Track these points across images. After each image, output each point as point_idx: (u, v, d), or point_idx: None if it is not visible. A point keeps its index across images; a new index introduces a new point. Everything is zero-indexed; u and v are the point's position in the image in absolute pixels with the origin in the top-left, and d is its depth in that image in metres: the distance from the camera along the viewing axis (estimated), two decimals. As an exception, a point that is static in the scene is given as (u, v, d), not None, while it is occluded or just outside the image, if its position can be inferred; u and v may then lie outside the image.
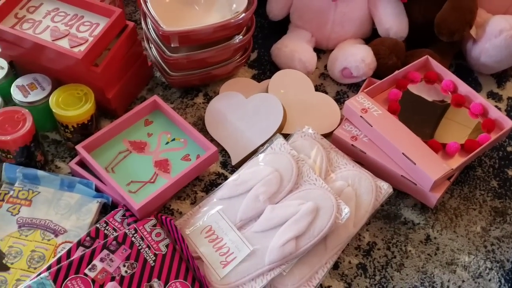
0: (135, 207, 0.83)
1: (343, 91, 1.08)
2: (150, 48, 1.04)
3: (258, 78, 1.10)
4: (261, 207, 0.83)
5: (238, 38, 0.99)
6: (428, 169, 0.85)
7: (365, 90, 0.95)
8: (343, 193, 0.84)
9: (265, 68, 1.11)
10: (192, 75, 1.02)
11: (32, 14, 0.97)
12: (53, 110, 0.90)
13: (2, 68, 0.97)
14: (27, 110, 0.88)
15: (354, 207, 0.83)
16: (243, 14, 0.95)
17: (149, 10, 0.95)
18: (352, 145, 0.91)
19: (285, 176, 0.85)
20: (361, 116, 0.90)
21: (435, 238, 0.89)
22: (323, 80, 1.10)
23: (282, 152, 0.87)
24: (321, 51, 1.14)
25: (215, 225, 0.84)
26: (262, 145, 0.93)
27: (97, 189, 0.89)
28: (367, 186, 0.85)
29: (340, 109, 1.02)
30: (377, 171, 0.89)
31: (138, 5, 1.17)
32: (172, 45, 0.94)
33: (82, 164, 0.91)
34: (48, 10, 0.98)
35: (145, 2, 0.97)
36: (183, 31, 0.93)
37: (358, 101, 0.92)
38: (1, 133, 0.86)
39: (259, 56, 1.13)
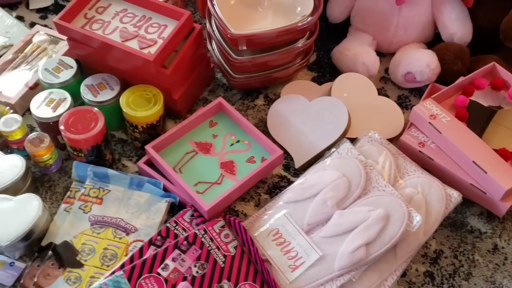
0: (205, 208, 0.84)
1: (405, 95, 1.07)
2: (213, 49, 1.05)
3: (318, 80, 1.10)
4: (329, 212, 0.83)
5: (301, 42, 1.00)
6: (499, 178, 0.84)
7: (432, 96, 0.94)
8: (413, 200, 0.84)
9: (324, 71, 1.11)
10: (254, 77, 1.03)
11: (101, 15, 0.99)
12: (124, 110, 0.92)
13: (71, 67, 0.99)
14: (98, 109, 0.90)
15: (425, 214, 0.82)
16: (310, 18, 0.95)
17: (216, 13, 0.96)
18: (419, 151, 0.90)
19: (353, 181, 0.85)
20: (429, 123, 0.89)
21: (502, 248, 0.87)
22: (384, 84, 1.09)
23: (349, 157, 0.87)
24: (381, 54, 1.13)
25: (282, 229, 0.84)
26: (327, 149, 0.94)
27: (165, 189, 0.90)
28: (437, 193, 0.84)
29: (404, 114, 1.01)
30: (445, 178, 0.88)
31: (197, 7, 1.18)
32: (239, 48, 0.95)
33: (150, 163, 0.94)
34: (117, 11, 1.00)
35: (212, 5, 0.97)
36: (251, 34, 0.94)
37: (426, 107, 0.91)
38: (74, 132, 0.88)
39: (318, 58, 1.13)
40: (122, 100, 0.93)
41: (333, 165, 0.87)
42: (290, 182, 0.95)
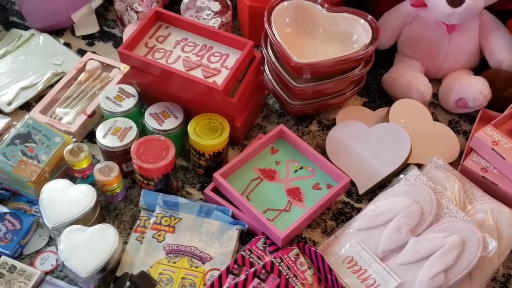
0: (280, 236, 0.85)
1: (455, 120, 1.10)
2: (269, 76, 1.07)
3: (369, 106, 1.12)
4: (403, 239, 0.85)
5: (359, 69, 1.02)
6: None
7: (492, 123, 0.96)
8: (484, 225, 0.85)
9: (374, 96, 1.14)
10: (310, 104, 1.04)
11: (162, 44, 1.00)
12: (192, 138, 0.92)
13: (133, 95, 0.99)
14: (168, 139, 0.91)
15: (497, 240, 0.84)
16: (371, 47, 0.98)
17: (278, 42, 0.98)
18: (482, 176, 0.93)
19: (425, 208, 0.86)
20: (492, 149, 0.92)
21: None
22: (433, 109, 1.11)
23: (418, 183, 0.89)
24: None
25: (357, 256, 0.85)
26: (390, 175, 0.96)
27: (233, 216, 0.91)
28: (507, 219, 0.86)
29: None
30: (509, 203, 0.90)
31: (241, 31, 1.20)
32: (303, 77, 0.96)
33: (215, 191, 0.94)
34: (177, 40, 1.01)
35: (273, 33, 0.99)
36: (315, 62, 0.95)
37: (488, 134, 0.94)
38: (145, 161, 0.88)
39: (367, 83, 1.15)
40: (190, 128, 0.93)
41: (403, 192, 0.89)
42: (354, 208, 0.96)
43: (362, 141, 1.00)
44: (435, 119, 1.09)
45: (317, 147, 1.04)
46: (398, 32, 1.13)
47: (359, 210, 0.96)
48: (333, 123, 1.08)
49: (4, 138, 0.92)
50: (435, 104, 1.12)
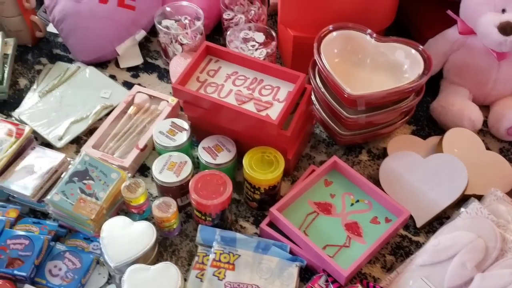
0: (344, 274, 0.83)
1: (506, 148, 1.08)
2: (318, 107, 1.06)
3: (418, 134, 1.11)
4: (468, 275, 0.83)
5: (411, 99, 1.01)
6: None
7: (550, 152, 0.95)
8: (551, 260, 0.84)
9: (422, 124, 1.13)
10: (361, 134, 1.04)
11: (213, 78, 1.00)
12: (247, 172, 0.92)
13: (185, 129, 1.00)
14: (224, 173, 0.91)
15: None
16: (424, 77, 0.97)
17: (329, 73, 0.97)
18: (543, 208, 0.91)
19: (490, 242, 0.85)
20: (553, 179, 0.91)
21: None
22: (483, 136, 1.10)
23: (480, 217, 0.88)
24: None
25: (421, 292, 0.84)
26: (448, 207, 0.95)
27: (291, 252, 0.90)
28: None
29: None
30: None
31: (283, 60, 1.20)
32: (358, 108, 0.96)
33: (271, 225, 0.93)
34: (228, 73, 1.01)
35: (323, 65, 0.99)
36: (369, 95, 0.95)
37: (547, 164, 0.93)
38: (203, 197, 0.88)
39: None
40: (245, 162, 0.93)
41: (465, 226, 0.88)
42: (412, 242, 0.95)
43: (417, 172, 0.99)
44: (486, 147, 1.08)
45: (370, 177, 1.03)
46: (444, 59, 1.13)
47: (417, 243, 0.95)
48: (383, 152, 1.08)
49: (62, 176, 0.92)
50: (484, 132, 1.11)
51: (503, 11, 1.01)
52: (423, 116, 1.14)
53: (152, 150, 1.06)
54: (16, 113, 1.09)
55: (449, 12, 1.07)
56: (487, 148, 1.07)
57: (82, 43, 1.17)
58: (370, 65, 1.06)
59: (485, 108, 1.13)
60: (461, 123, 1.06)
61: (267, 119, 0.92)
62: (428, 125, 1.12)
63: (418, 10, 1.21)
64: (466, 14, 1.05)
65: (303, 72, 1.18)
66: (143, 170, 1.04)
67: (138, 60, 1.21)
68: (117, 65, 1.21)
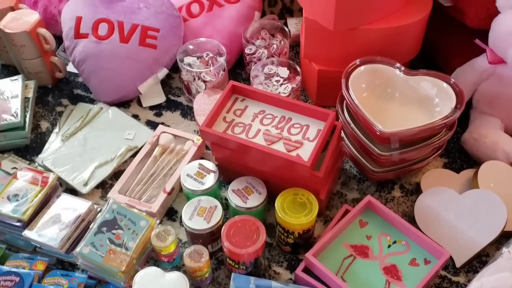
0: (387, 323, 0.80)
1: (543, 179, 1.05)
2: (348, 143, 1.04)
3: (450, 167, 1.08)
4: (517, 319, 0.80)
5: (443, 134, 0.98)
6: None
7: None
8: None
9: (454, 156, 1.10)
10: (393, 170, 1.01)
11: (240, 118, 0.98)
12: (280, 217, 0.89)
13: (213, 171, 0.97)
14: (257, 219, 0.88)
15: None
16: (458, 112, 0.94)
17: (360, 110, 0.95)
18: None
19: (537, 284, 0.82)
20: None
21: None
22: (517, 168, 1.07)
23: (525, 257, 0.85)
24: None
25: None
26: (488, 245, 0.91)
27: (329, 299, 0.87)
28: None
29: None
30: None
31: (308, 95, 1.18)
32: (392, 146, 0.93)
33: (307, 271, 0.90)
34: (255, 113, 0.99)
35: (353, 101, 0.96)
36: (402, 132, 0.92)
37: None
38: (237, 245, 0.85)
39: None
40: (277, 205, 0.90)
41: (509, 267, 0.84)
42: (452, 282, 0.91)
43: (454, 209, 0.96)
44: (522, 179, 1.05)
45: (404, 215, 1.00)
46: (473, 88, 1.10)
47: (457, 284, 0.91)
48: (416, 187, 1.05)
49: (90, 226, 0.90)
50: (519, 162, 1.08)
51: (535, 40, 0.99)
52: (454, 148, 1.11)
53: (179, 192, 1.03)
54: (39, 158, 1.08)
55: (477, 41, 1.05)
56: (524, 180, 1.05)
57: (104, 84, 1.16)
58: (400, 99, 1.03)
59: (518, 137, 1.10)
60: (495, 156, 1.03)
61: (299, 160, 0.90)
62: (460, 157, 1.09)
63: (444, 39, 1.19)
64: (496, 43, 1.03)
65: (328, 105, 1.18)
66: (170, 214, 1.01)
67: (160, 98, 1.19)
68: (140, 104, 1.20)
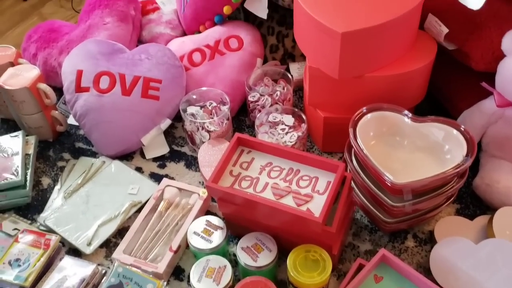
0: None
1: (559, 223, 1.03)
2: (358, 193, 1.01)
3: (463, 213, 1.05)
4: None
5: (455, 181, 0.96)
6: None
7: None
8: None
9: (466, 201, 1.07)
10: (406, 221, 0.98)
11: (247, 171, 0.96)
12: (293, 276, 0.86)
13: (221, 228, 0.94)
14: (269, 279, 0.85)
15: None
16: (469, 160, 0.92)
17: (369, 160, 0.93)
18: None
19: None
20: None
21: None
22: (532, 212, 1.05)
23: (550, 312, 0.81)
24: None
25: None
26: (510, 299, 0.88)
27: None
28: None
29: None
30: None
31: (314, 141, 1.16)
32: (404, 198, 0.91)
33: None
34: (262, 165, 0.96)
35: (362, 151, 0.94)
36: (414, 183, 0.90)
37: None
38: (249, 308, 0.82)
39: (454, 188, 1.10)
40: (289, 264, 0.87)
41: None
42: None
43: (471, 260, 0.93)
44: (538, 224, 1.02)
45: (419, 266, 0.97)
46: (482, 132, 1.08)
47: None
48: (429, 236, 1.02)
49: (96, 292, 0.87)
50: (533, 206, 1.06)
51: (544, 83, 0.97)
52: (465, 193, 1.08)
53: (185, 249, 1.00)
54: (41, 218, 1.04)
55: (484, 84, 1.04)
56: (539, 225, 1.02)
57: (106, 137, 1.14)
58: (409, 147, 1.01)
59: (530, 179, 1.08)
60: (509, 201, 1.00)
61: (309, 216, 0.87)
62: (472, 202, 1.07)
63: (450, 81, 1.18)
64: (503, 86, 1.01)
65: (335, 151, 1.16)
66: (177, 273, 0.97)
67: (164, 150, 1.17)
68: (143, 155, 1.17)
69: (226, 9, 1.23)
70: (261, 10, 1.22)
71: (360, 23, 0.96)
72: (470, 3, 1.00)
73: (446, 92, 1.18)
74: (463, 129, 0.96)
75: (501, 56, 1.01)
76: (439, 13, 1.09)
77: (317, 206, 0.89)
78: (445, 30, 1.06)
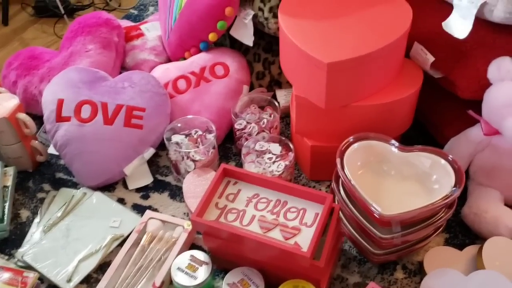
0: None
1: (548, 253, 1.02)
2: (346, 223, 1.00)
3: (452, 242, 1.04)
4: None
5: (444, 212, 0.95)
6: None
7: None
8: None
9: (455, 231, 1.06)
10: (395, 252, 0.96)
11: (233, 203, 0.93)
12: (281, 314, 0.84)
13: (206, 263, 0.91)
14: (256, 318, 0.82)
15: None
16: (458, 191, 0.91)
17: (357, 191, 0.91)
18: None
19: None
20: None
21: None
22: (521, 240, 1.04)
23: None
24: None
25: None
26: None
27: None
28: None
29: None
30: None
31: (302, 170, 1.15)
32: (393, 230, 0.89)
33: None
34: (248, 197, 0.94)
35: (349, 181, 0.92)
36: (402, 215, 0.88)
37: None
38: None
39: (443, 216, 1.08)
40: (277, 301, 0.85)
41: None
42: None
43: (461, 293, 0.91)
44: (527, 254, 1.01)
45: (409, 299, 0.96)
46: (469, 160, 1.07)
47: None
48: (418, 267, 1.00)
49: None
50: (522, 235, 1.05)
51: (530, 112, 0.97)
52: (454, 222, 1.07)
53: (169, 284, 0.97)
54: (19, 253, 1.00)
55: (471, 112, 1.03)
56: (529, 255, 1.01)
57: (88, 168, 1.11)
58: (396, 176, 1.00)
59: (517, 207, 1.08)
60: (498, 231, 0.99)
61: (297, 251, 0.85)
62: (461, 231, 1.05)
63: (436, 109, 1.17)
64: (489, 115, 1.01)
65: (323, 179, 1.15)
66: (161, 309, 0.95)
67: (147, 180, 1.14)
68: (126, 186, 1.14)
69: (212, 36, 1.22)
70: (247, 37, 1.21)
71: (346, 53, 0.95)
72: (455, 32, 1.00)
73: (433, 119, 1.18)
74: (451, 159, 0.95)
75: (487, 84, 1.00)
76: (425, 42, 1.09)
77: (305, 240, 0.87)
78: (431, 58, 1.06)
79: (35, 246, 1.01)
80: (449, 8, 1.02)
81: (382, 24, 1.01)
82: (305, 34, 1.00)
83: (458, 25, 1.01)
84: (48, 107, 1.12)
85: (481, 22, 1.01)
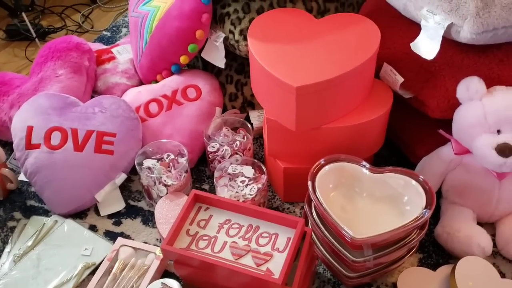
0: None
1: (520, 271, 1.02)
2: (319, 247, 0.99)
3: (425, 262, 1.04)
4: None
5: (416, 233, 0.95)
6: None
7: None
8: None
9: (428, 250, 1.06)
10: (369, 274, 0.96)
11: (205, 230, 0.92)
12: None
13: (177, 291, 0.91)
14: None
15: None
16: (429, 212, 0.91)
17: (329, 215, 0.91)
18: None
19: None
20: None
21: None
22: (493, 258, 1.04)
23: None
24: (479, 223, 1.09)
25: None
26: None
27: None
28: None
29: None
30: None
31: (275, 190, 1.14)
32: (365, 253, 0.89)
33: None
34: (220, 223, 0.93)
35: (320, 205, 0.92)
36: (374, 238, 0.88)
37: None
38: None
39: (416, 236, 1.08)
40: (249, 330, 0.84)
41: None
42: None
43: (436, 314, 0.92)
44: (500, 272, 1.01)
45: (383, 321, 0.95)
46: (441, 179, 1.08)
47: None
48: (398, 292, 1.00)
49: None
50: (494, 253, 1.05)
51: (498, 132, 0.98)
52: (427, 241, 1.07)
53: (142, 313, 0.96)
54: (-13, 286, 0.99)
55: (441, 132, 1.04)
56: (501, 273, 1.01)
57: (59, 195, 1.09)
58: (368, 198, 1.00)
59: (491, 225, 1.08)
60: (470, 251, 0.99)
61: (269, 278, 0.84)
62: (434, 251, 1.05)
63: (407, 128, 1.17)
64: (460, 135, 1.02)
65: (297, 200, 1.14)
66: None
67: (119, 205, 1.13)
68: (98, 212, 1.13)
69: (183, 59, 1.22)
70: (218, 59, 1.21)
71: (315, 77, 0.95)
72: (423, 53, 1.01)
73: (404, 138, 1.19)
74: (421, 180, 0.95)
75: (457, 104, 1.01)
76: (394, 62, 1.10)
77: (277, 266, 0.87)
78: (400, 79, 1.07)
79: (5, 277, 0.98)
80: (417, 28, 1.03)
81: (351, 46, 1.02)
82: (274, 58, 1.00)
83: (426, 45, 1.02)
84: (17, 135, 1.11)
85: (449, 42, 1.03)
